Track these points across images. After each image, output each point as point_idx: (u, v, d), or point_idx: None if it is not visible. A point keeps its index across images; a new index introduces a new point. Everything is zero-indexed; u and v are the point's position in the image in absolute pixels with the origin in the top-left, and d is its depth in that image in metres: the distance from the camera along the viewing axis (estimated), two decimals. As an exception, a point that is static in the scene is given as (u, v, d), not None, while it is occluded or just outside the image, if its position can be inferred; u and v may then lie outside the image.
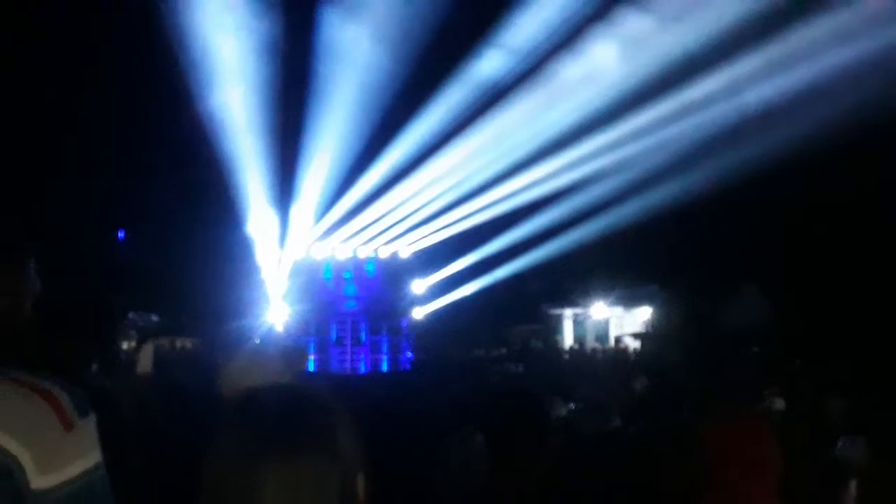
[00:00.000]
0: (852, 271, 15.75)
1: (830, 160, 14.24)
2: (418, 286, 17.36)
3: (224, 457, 0.90)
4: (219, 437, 0.92)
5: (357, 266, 16.25)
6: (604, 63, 14.72)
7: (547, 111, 15.83)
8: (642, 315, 21.49)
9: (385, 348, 15.71)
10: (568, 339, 21.21)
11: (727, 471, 1.86)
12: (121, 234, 19.13)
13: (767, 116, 13.90)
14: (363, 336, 15.68)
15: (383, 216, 17.60)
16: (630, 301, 20.81)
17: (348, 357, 15.42)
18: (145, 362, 3.24)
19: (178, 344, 13.56)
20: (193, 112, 14.94)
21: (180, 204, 18.48)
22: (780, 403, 8.61)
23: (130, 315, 12.13)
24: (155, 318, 14.06)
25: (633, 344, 19.21)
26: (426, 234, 17.89)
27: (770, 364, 13.64)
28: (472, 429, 4.80)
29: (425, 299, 17.71)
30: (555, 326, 21.44)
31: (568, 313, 21.56)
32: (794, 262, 16.80)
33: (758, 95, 14.00)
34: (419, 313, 17.14)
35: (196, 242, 18.35)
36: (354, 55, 15.43)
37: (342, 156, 16.73)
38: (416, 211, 17.69)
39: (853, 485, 3.31)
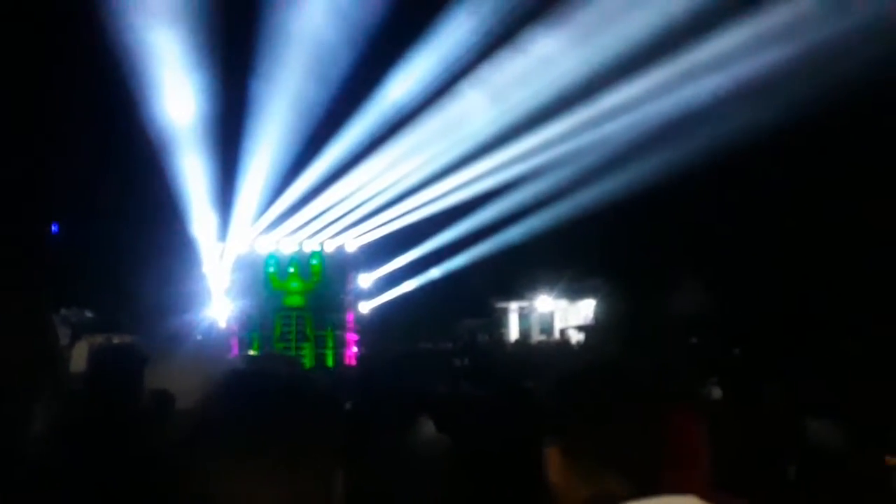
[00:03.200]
0: (791, 263, 16.29)
1: (770, 154, 14.69)
2: (365, 280, 17.25)
3: (204, 456, 0.86)
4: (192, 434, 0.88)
5: (302, 260, 16.04)
6: (544, 57, 14.84)
7: (492, 105, 15.89)
8: (586, 308, 21.86)
9: (330, 343, 15.56)
10: (514, 333, 21.42)
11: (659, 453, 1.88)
12: (54, 228, 18.44)
13: (708, 110, 14.23)
14: (308, 331, 15.49)
15: (329, 209, 17.42)
16: (575, 294, 21.14)
17: (294, 353, 15.23)
18: (79, 360, 3.13)
19: (115, 341, 13.12)
20: (131, 104, 14.50)
21: (117, 197, 17.93)
22: (717, 392, 8.87)
23: (63, 311, 11.71)
24: (89, 314, 13.59)
25: (577, 336, 19.52)
26: (373, 227, 17.79)
27: (709, 354, 14.04)
28: (423, 418, 4.81)
29: (372, 293, 17.61)
30: (501, 320, 21.62)
31: (514, 307, 21.78)
32: (734, 254, 17.27)
33: (699, 89, 14.31)
34: (365, 307, 17.04)
35: (134, 236, 17.84)
36: (299, 44, 15.18)
37: (287, 148, 16.48)
38: (362, 204, 17.56)
39: (792, 470, 3.40)
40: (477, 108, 16.06)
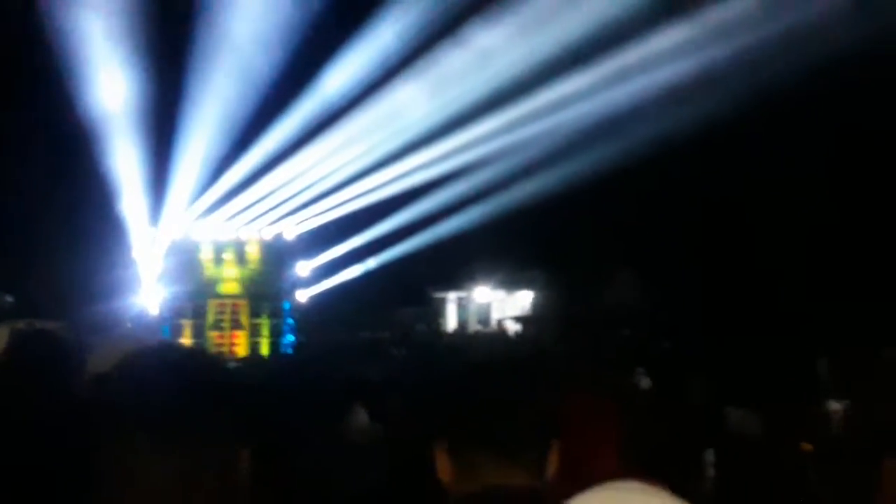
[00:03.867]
0: (722, 259, 16.84)
1: (705, 150, 15.11)
2: (303, 268, 17.05)
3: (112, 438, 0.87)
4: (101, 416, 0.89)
5: (238, 247, 15.74)
6: (487, 50, 14.93)
7: (431, 98, 15.89)
8: (524, 299, 22.14)
9: (266, 332, 15.34)
10: (452, 322, 21.55)
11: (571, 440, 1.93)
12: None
13: (646, 106, 14.56)
14: (243, 319, 15.23)
15: (268, 196, 17.14)
16: (512, 285, 21.39)
17: (227, 341, 14.94)
18: (-2, 346, 3.01)
19: (39, 327, 12.62)
20: (59, 87, 13.94)
21: (41, 179, 17.22)
22: (646, 382, 9.13)
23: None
24: (10, 298, 13.03)
25: (514, 327, 19.76)
26: (312, 215, 17.60)
27: (640, 345, 14.43)
28: (357, 406, 4.82)
29: (310, 281, 17.43)
30: (439, 309, 21.73)
31: (452, 296, 21.91)
32: (667, 250, 17.74)
33: (639, 84, 14.62)
34: (303, 296, 16.84)
35: (60, 219, 17.18)
36: (238, 28, 14.86)
37: (225, 134, 16.14)
38: (301, 192, 17.35)
39: (710, 452, 3.55)
40: (415, 100, 16.06)
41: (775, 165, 15.66)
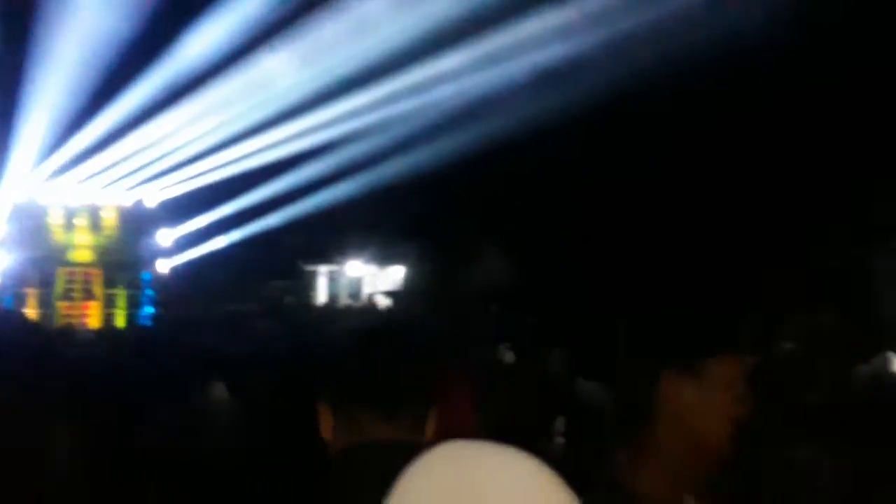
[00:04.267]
0: (588, 236, 17.56)
1: (574, 132, 15.62)
2: (165, 237, 16.27)
3: None
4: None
5: (92, 212, 14.77)
6: (362, 20, 14.71)
7: (307, 63, 15.48)
8: (395, 273, 22.22)
9: (122, 303, 14.53)
10: (322, 296, 21.30)
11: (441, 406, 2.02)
12: None
13: (517, 86, 14.87)
14: (96, 289, 14.34)
15: (127, 159, 16.13)
16: (384, 259, 21.41)
17: (77, 312, 14.03)
18: None
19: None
20: None
21: None
22: (509, 356, 9.46)
23: None
24: None
25: (385, 301, 19.82)
26: (177, 182, 16.77)
27: (506, 321, 14.90)
28: (215, 381, 4.67)
29: (172, 251, 16.67)
30: (309, 283, 21.41)
31: (323, 270, 21.64)
32: (535, 226, 18.30)
33: (512, 64, 14.89)
34: (165, 266, 16.09)
35: None
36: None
37: (77, 91, 14.95)
38: (165, 156, 16.46)
39: (560, 421, 3.73)
40: (288, 68, 15.59)
41: (643, 149, 16.50)
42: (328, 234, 19.88)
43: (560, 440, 3.64)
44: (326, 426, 1.42)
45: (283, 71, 15.66)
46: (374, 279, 22.02)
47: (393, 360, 1.43)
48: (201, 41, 14.85)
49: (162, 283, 15.57)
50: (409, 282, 21.46)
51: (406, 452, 0.71)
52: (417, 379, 1.45)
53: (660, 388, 1.36)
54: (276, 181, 17.45)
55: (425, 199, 18.26)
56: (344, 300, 20.28)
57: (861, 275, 14.83)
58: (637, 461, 1.40)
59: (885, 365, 6.54)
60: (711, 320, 1.43)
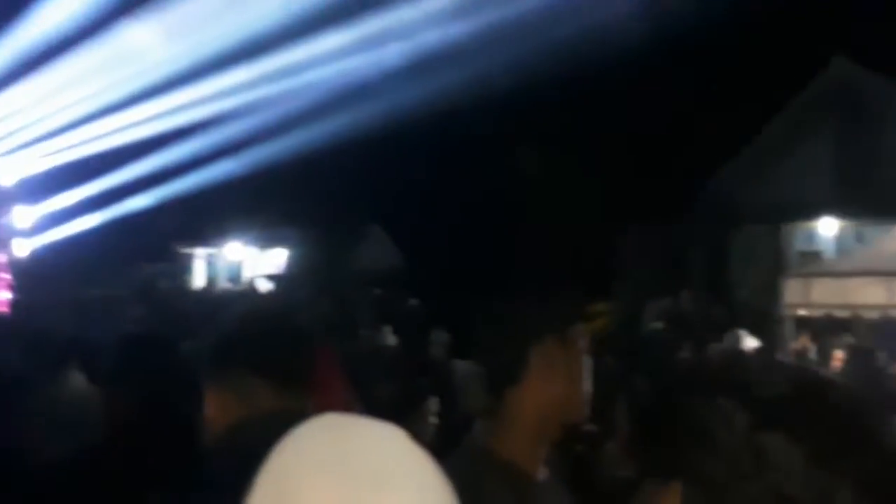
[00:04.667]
0: (471, 219, 17.83)
1: (457, 115, 15.77)
2: (22, 217, 15.15)
3: None
4: None
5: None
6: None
7: (180, 36, 14.73)
8: (278, 257, 21.72)
9: (-27, 287, 13.40)
10: (200, 280, 20.50)
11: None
12: None
13: (399, 69, 14.79)
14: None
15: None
16: (266, 242, 20.86)
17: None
18: None
19: None
20: None
21: None
22: (392, 339, 9.51)
23: None
24: None
25: (267, 285, 19.36)
26: (35, 157, 15.58)
27: (389, 304, 14.96)
28: (73, 370, 4.41)
29: (32, 232, 15.54)
30: (186, 267, 20.53)
31: (200, 253, 20.81)
32: (420, 207, 18.38)
33: (395, 48, 14.79)
34: (22, 248, 14.98)
35: None
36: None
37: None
38: (22, 129, 15.25)
39: (433, 402, 3.80)
40: (160, 40, 14.79)
41: (522, 133, 16.94)
42: (205, 216, 19.11)
43: (434, 420, 3.71)
44: (215, 404, 1.48)
45: (155, 43, 14.84)
46: (255, 262, 21.44)
47: (283, 334, 1.54)
48: (60, 6, 13.81)
49: (20, 267, 14.49)
50: (293, 265, 21.06)
51: (298, 420, 0.75)
52: (305, 353, 1.57)
53: (530, 356, 1.46)
54: (148, 159, 16.55)
55: (309, 180, 17.93)
56: (223, 284, 19.61)
57: (716, 258, 15.94)
58: (500, 429, 1.50)
59: (736, 342, 7.09)
60: (581, 296, 1.57)
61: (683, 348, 7.67)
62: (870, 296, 6.90)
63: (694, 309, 11.13)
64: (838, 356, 6.73)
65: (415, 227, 18.38)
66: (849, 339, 7.38)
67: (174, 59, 14.61)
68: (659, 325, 10.01)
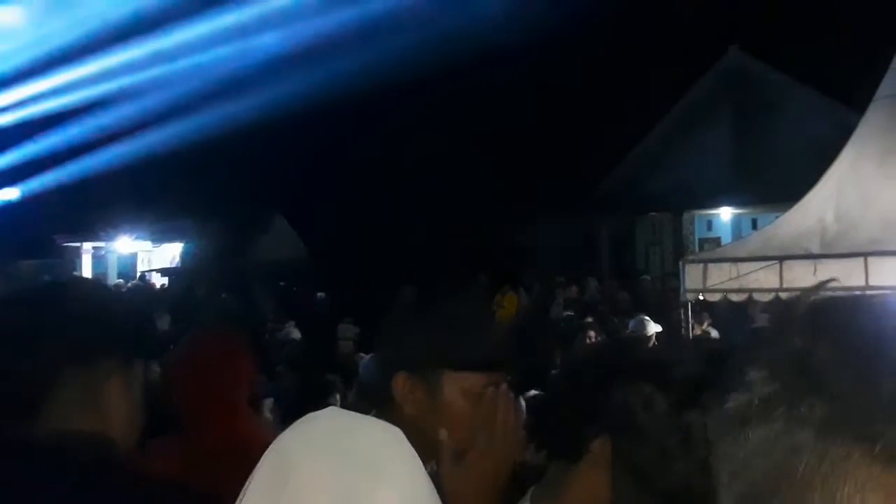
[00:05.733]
0: (376, 210, 17.59)
1: (360, 111, 15.53)
2: None
3: None
4: None
5: None
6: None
7: (54, 14, 13.68)
8: (173, 250, 20.76)
9: None
10: (87, 275, 19.27)
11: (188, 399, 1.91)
12: None
13: (294, 60, 14.35)
14: None
15: None
16: (160, 235, 19.88)
17: None
18: None
19: None
20: None
21: None
22: (296, 333, 9.17)
23: None
24: None
25: (161, 280, 18.48)
26: None
27: (295, 297, 14.53)
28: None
29: None
30: (71, 262, 19.24)
31: (87, 247, 19.56)
32: (323, 199, 17.98)
33: (285, 35, 14.34)
34: None
35: None
36: None
37: None
38: None
39: (337, 397, 3.62)
40: (32, 15, 13.69)
41: (428, 132, 16.84)
42: (90, 208, 17.91)
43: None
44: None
45: (24, 22, 13.74)
46: (148, 256, 20.40)
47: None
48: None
49: None
50: (189, 258, 20.17)
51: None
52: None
53: (394, 384, 1.30)
54: (24, 145, 15.36)
55: (206, 170, 17.20)
56: (113, 280, 18.49)
57: (621, 245, 16.40)
58: None
59: (641, 327, 7.22)
60: (451, 336, 1.35)
61: (591, 333, 7.77)
62: (762, 280, 7.14)
63: (600, 295, 11.34)
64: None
65: (320, 218, 17.96)
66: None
67: (46, 39, 13.56)
68: (567, 311, 10.14)
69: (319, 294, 14.36)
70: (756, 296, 7.34)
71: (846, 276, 6.66)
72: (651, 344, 7.03)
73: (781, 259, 6.93)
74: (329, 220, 17.69)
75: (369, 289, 12.28)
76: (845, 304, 0.53)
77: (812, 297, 0.53)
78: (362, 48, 13.70)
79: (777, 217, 8.21)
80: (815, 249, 6.77)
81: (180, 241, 20.17)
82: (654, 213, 16.19)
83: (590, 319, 8.27)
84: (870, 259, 6.46)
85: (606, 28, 15.67)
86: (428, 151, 16.01)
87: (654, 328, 7.64)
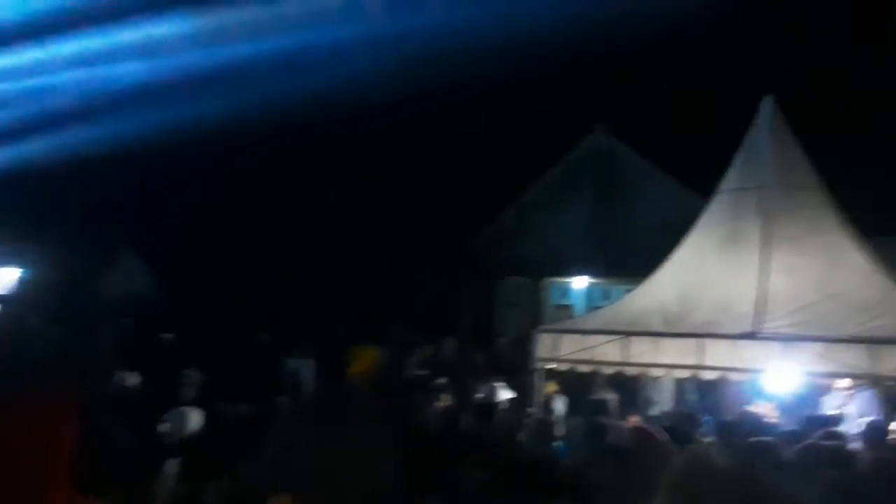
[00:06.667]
0: (232, 246, 16.94)
1: (211, 145, 15.01)
2: None
3: None
4: None
5: None
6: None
7: None
8: (9, 275, 19.06)
9: None
10: None
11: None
12: None
13: (154, 88, 13.76)
14: None
15: None
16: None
17: None
18: None
19: None
20: None
21: None
22: (133, 379, 8.54)
23: None
24: None
25: (-8, 307, 16.86)
26: None
27: (139, 337, 13.60)
28: None
29: None
30: None
31: None
32: (178, 236, 17.16)
33: (143, 66, 13.75)
34: None
35: None
36: None
37: None
38: None
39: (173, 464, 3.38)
40: None
41: (274, 169, 16.62)
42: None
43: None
44: None
45: None
46: (-20, 281, 18.59)
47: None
48: None
49: None
50: (27, 286, 18.55)
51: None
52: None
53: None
54: None
55: (50, 193, 16.02)
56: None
57: (481, 307, 16.71)
58: None
59: (492, 394, 7.30)
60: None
61: (444, 395, 7.77)
62: (609, 353, 7.44)
63: (456, 356, 11.42)
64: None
65: (172, 253, 17.08)
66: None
67: None
68: (422, 370, 10.12)
69: (167, 335, 13.55)
70: (602, 368, 7.68)
71: (683, 354, 7.12)
72: (502, 409, 7.13)
73: (627, 334, 7.29)
74: (184, 257, 16.85)
75: (222, 332, 11.75)
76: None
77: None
78: (222, 79, 13.34)
79: (627, 290, 8.67)
80: (658, 327, 7.17)
81: (19, 267, 18.57)
82: (514, 277, 16.67)
83: (444, 380, 8.28)
84: (705, 340, 6.93)
85: (480, 94, 16.25)
86: (291, 198, 15.81)
87: (505, 394, 7.75)
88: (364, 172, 17.03)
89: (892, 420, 6.22)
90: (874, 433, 5.16)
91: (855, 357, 5.90)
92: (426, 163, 16.92)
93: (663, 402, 8.67)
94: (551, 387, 8.18)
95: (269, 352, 11.19)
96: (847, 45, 16.80)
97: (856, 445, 5.11)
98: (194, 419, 4.51)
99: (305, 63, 13.09)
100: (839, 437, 5.10)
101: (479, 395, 7.29)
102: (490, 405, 6.45)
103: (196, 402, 8.42)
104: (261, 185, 16.62)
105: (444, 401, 7.55)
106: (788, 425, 6.43)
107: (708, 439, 5.91)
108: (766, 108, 7.94)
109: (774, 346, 6.22)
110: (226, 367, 9.38)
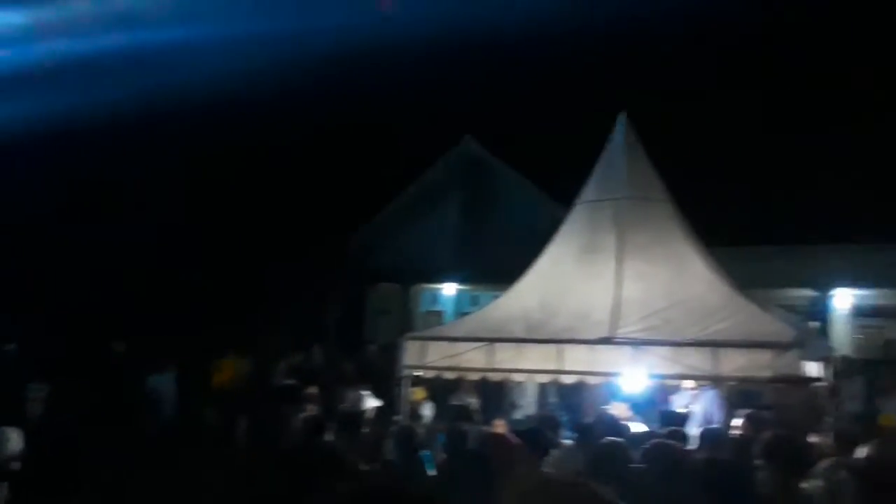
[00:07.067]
0: (79, 255, 15.80)
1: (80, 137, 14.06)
2: None
3: None
4: None
5: None
6: None
7: None
8: None
9: None
10: None
11: None
12: None
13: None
14: None
15: None
16: None
17: None
18: None
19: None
20: None
21: None
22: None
23: None
24: None
25: None
26: None
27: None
28: None
29: None
30: None
31: None
32: (18, 239, 15.84)
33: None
34: None
35: None
36: None
37: None
38: None
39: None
40: None
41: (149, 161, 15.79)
42: None
43: None
44: None
45: None
46: None
47: None
48: None
49: None
50: None
51: None
52: None
53: None
54: None
55: None
56: None
57: (350, 314, 16.58)
58: None
59: (357, 402, 7.22)
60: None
61: (310, 407, 7.59)
62: (474, 360, 7.52)
63: (325, 364, 11.24)
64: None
65: (12, 259, 15.69)
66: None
67: None
68: (289, 379, 9.86)
69: (9, 346, 12.45)
70: (468, 374, 7.77)
71: (544, 359, 7.33)
72: (368, 418, 7.06)
73: (491, 341, 7.41)
74: (24, 262, 15.54)
75: (66, 344, 10.96)
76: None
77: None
78: (57, 76, 12.52)
79: (495, 296, 8.83)
80: (520, 334, 7.35)
81: None
82: (385, 284, 16.63)
83: (313, 390, 8.11)
84: (564, 346, 7.17)
85: (351, 100, 16.16)
86: (148, 199, 15.05)
87: (372, 403, 7.68)
88: (232, 177, 16.47)
89: (733, 417, 6.70)
90: (709, 434, 5.55)
91: (699, 359, 6.30)
92: (297, 168, 16.59)
93: (527, 406, 8.90)
94: (419, 394, 8.19)
95: (124, 364, 10.55)
96: (698, 66, 18.09)
97: (694, 445, 5.47)
98: (14, 440, 4.13)
99: (171, 60, 12.53)
100: (681, 437, 5.44)
101: (345, 405, 7.19)
102: (355, 414, 6.37)
103: (42, 419, 7.79)
104: (113, 186, 15.67)
105: (310, 410, 7.39)
106: (642, 424, 6.81)
107: (567, 441, 6.13)
108: (620, 125, 8.38)
109: (627, 351, 6.53)
110: (74, 381, 8.73)
